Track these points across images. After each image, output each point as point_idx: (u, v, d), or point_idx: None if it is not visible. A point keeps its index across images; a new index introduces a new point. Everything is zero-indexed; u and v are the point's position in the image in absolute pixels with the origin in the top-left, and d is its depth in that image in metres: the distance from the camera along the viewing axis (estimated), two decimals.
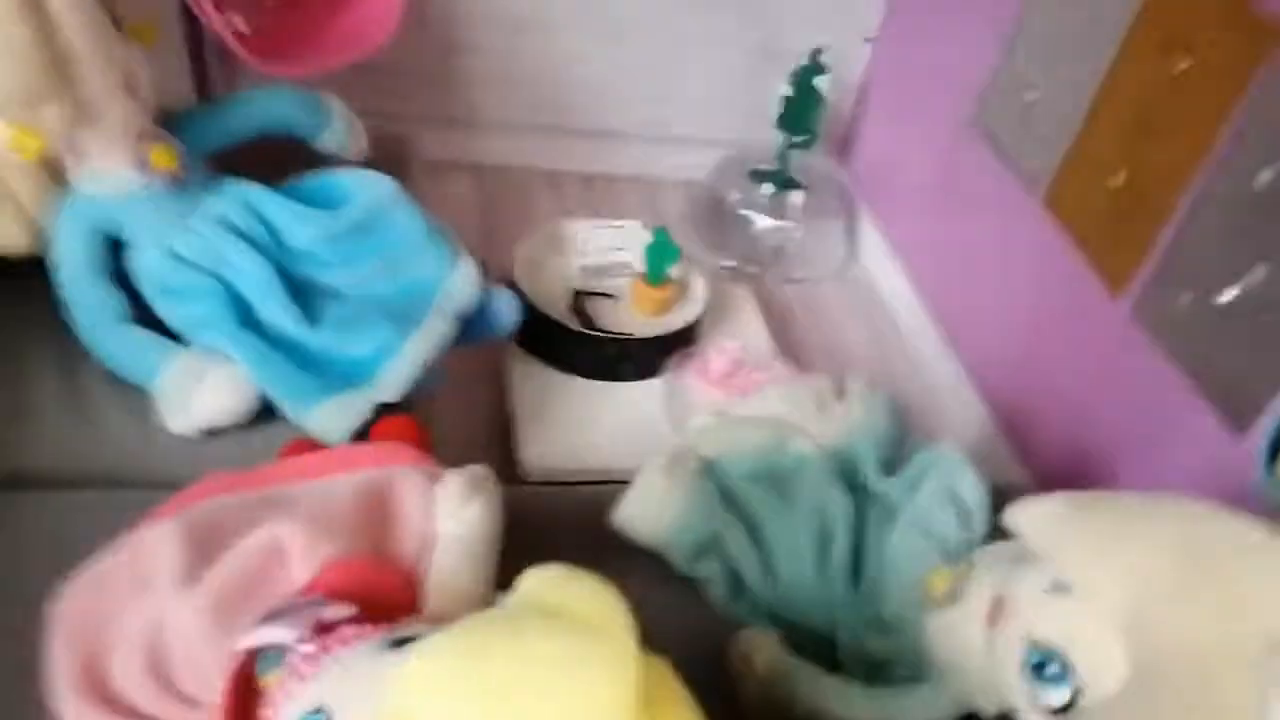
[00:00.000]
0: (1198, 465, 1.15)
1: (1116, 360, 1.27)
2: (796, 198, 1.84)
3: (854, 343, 1.75)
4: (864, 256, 1.92)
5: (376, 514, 0.77)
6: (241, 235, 1.02)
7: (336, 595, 0.66)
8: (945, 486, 0.87)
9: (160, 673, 0.68)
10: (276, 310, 0.99)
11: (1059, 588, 0.63)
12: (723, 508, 0.90)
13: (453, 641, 0.47)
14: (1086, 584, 0.61)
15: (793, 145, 1.81)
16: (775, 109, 1.78)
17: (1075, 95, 1.35)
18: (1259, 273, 1.03)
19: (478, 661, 0.45)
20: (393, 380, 0.98)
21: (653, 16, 1.81)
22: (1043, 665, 0.62)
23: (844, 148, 2.05)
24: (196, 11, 1.35)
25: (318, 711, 0.50)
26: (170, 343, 0.97)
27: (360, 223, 1.09)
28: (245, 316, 0.99)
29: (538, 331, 1.27)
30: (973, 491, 0.87)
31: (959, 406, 1.60)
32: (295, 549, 0.69)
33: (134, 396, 0.97)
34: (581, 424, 1.25)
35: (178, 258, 0.99)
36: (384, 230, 1.10)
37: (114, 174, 0.96)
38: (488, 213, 1.82)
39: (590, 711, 0.44)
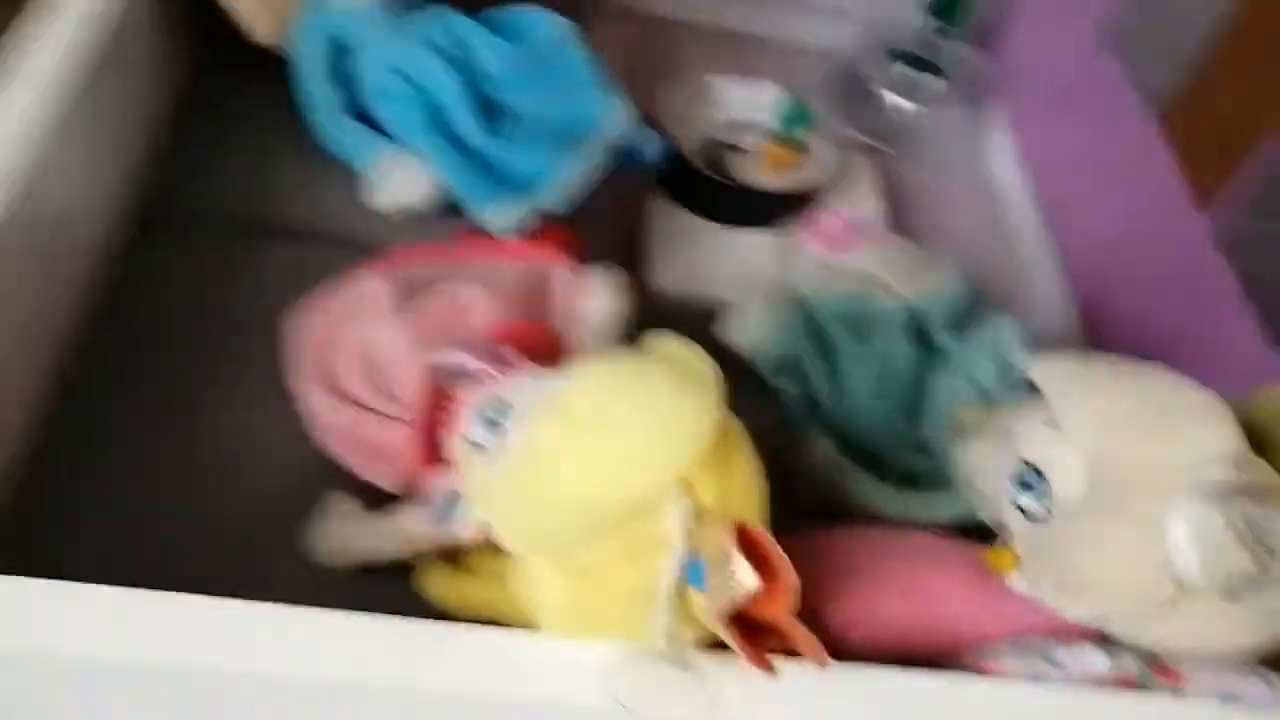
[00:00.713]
0: (1241, 378, 1.29)
1: (1191, 277, 1.39)
2: (934, 82, 1.94)
3: (964, 228, 1.87)
4: (990, 147, 2.02)
5: (535, 294, 0.99)
6: (443, 54, 1.22)
7: (503, 341, 0.89)
8: (993, 345, 1.05)
9: (372, 378, 0.92)
10: (465, 119, 1.20)
11: (1051, 424, 0.81)
12: (807, 336, 1.10)
13: (597, 368, 0.69)
14: (1069, 422, 0.79)
15: (939, 30, 1.90)
16: None
17: (1204, 15, 1.42)
18: None
19: (616, 372, 0.67)
20: (553, 191, 1.18)
21: None
22: (1024, 477, 0.81)
23: (991, 38, 2.11)
24: None
25: (499, 402, 0.73)
26: (380, 136, 1.19)
27: (541, 56, 1.28)
28: (439, 122, 1.20)
29: (675, 174, 1.45)
30: (1015, 351, 1.04)
31: (1049, 301, 1.73)
32: (478, 305, 0.92)
33: (351, 175, 1.20)
34: (705, 261, 1.43)
35: (391, 67, 1.20)
36: (558, 65, 1.29)
37: None
38: (641, 53, 1.97)
39: (685, 417, 0.65)
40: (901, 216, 1.81)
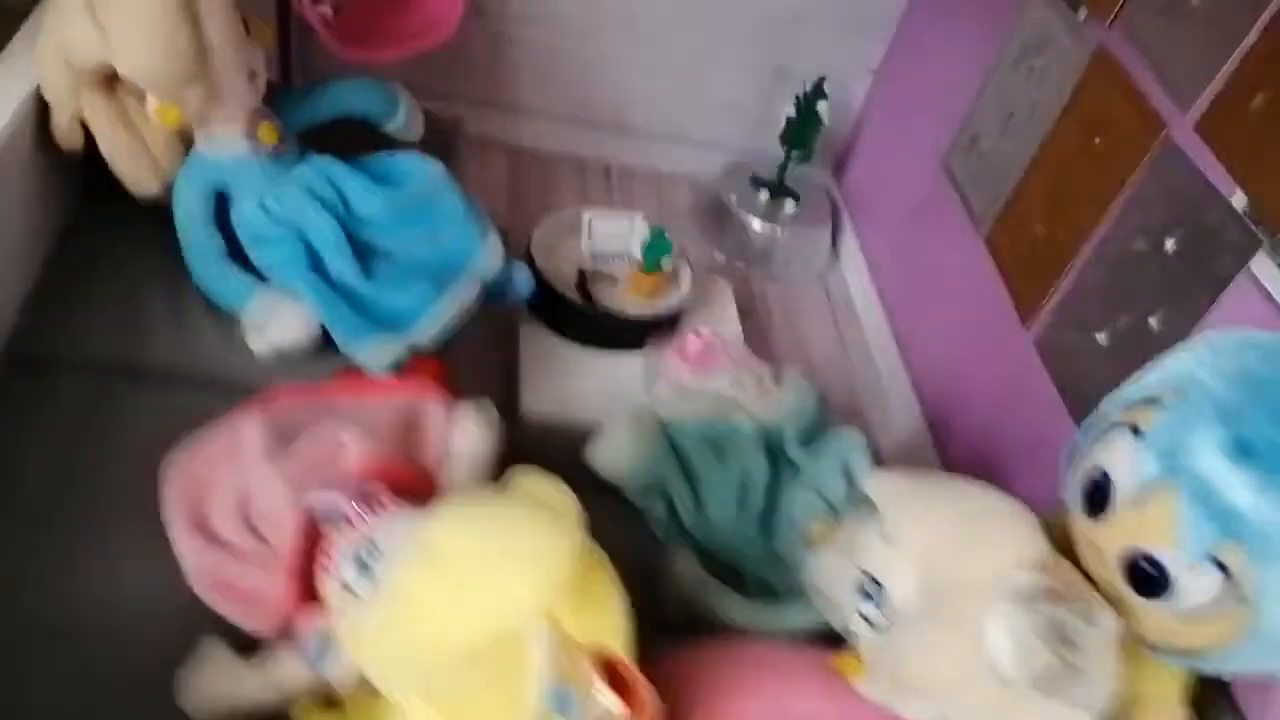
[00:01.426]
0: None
1: (1018, 382, 1.53)
2: (789, 205, 2.09)
3: (819, 339, 2.00)
4: (842, 264, 2.18)
5: (409, 431, 1.03)
6: (320, 199, 1.27)
7: (375, 481, 0.93)
8: (840, 458, 1.15)
9: (246, 519, 0.95)
10: (341, 262, 1.25)
11: (886, 537, 0.89)
12: (669, 458, 1.17)
13: (460, 506, 0.74)
14: (900, 535, 0.87)
15: (792, 159, 2.06)
16: (782, 126, 2.02)
17: (1016, 155, 1.60)
18: (1123, 321, 1.29)
19: (480, 513, 0.72)
20: (427, 328, 1.24)
21: (681, 30, 2.05)
22: (863, 586, 0.88)
23: (839, 165, 2.29)
24: (294, 1, 1.61)
25: (370, 544, 0.77)
26: (257, 280, 1.23)
27: (415, 198, 1.34)
28: (316, 265, 1.25)
29: (547, 302, 1.52)
30: (861, 466, 1.13)
31: (900, 403, 1.86)
32: (350, 444, 0.96)
33: (226, 319, 1.23)
34: (574, 383, 1.51)
35: (268, 212, 1.25)
36: (432, 206, 1.35)
37: (229, 142, 1.21)
38: (515, 186, 2.07)
39: (546, 553, 0.71)
40: (763, 333, 1.93)
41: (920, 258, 1.93)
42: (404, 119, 1.47)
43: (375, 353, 1.20)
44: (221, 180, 1.24)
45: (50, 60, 1.12)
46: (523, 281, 1.42)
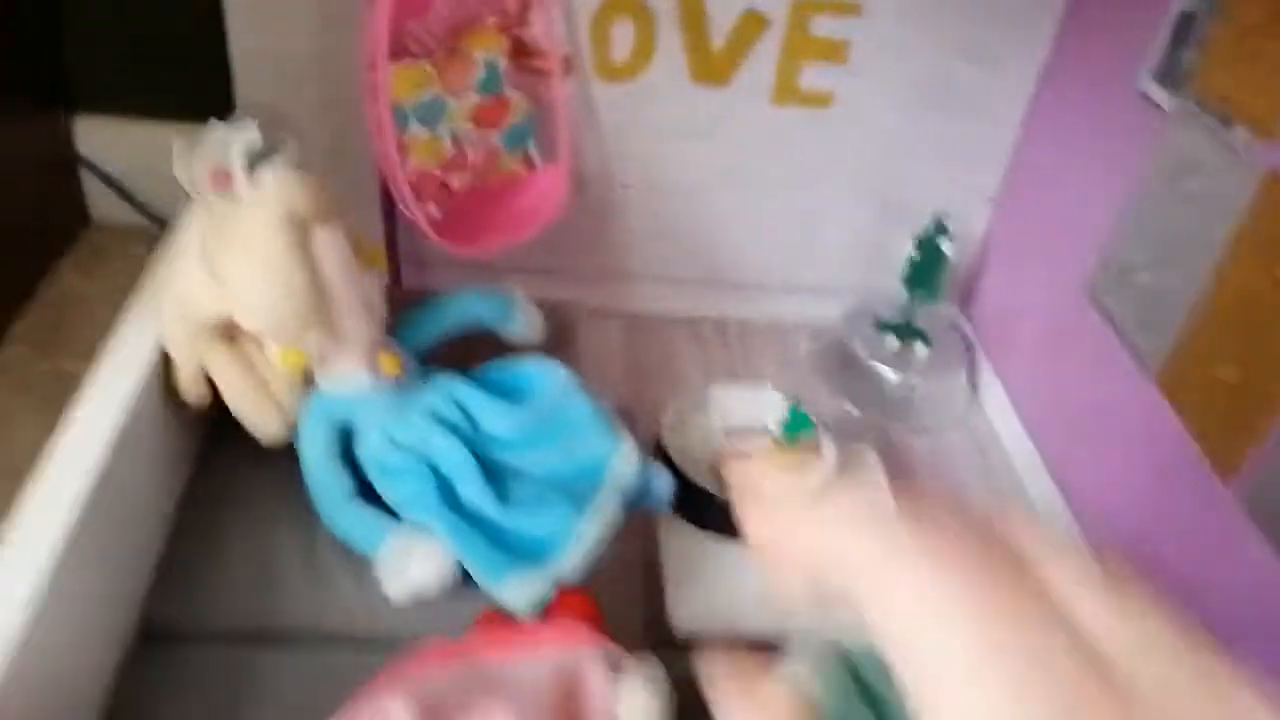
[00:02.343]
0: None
1: (1222, 544, 1.35)
2: (921, 350, 1.97)
3: (973, 492, 1.85)
4: (985, 407, 2.03)
5: (570, 700, 0.93)
6: (447, 424, 1.21)
7: None
8: None
9: None
10: (474, 489, 1.18)
11: None
12: (858, 695, 1.04)
13: None
14: None
15: (916, 300, 1.95)
16: (900, 263, 1.92)
17: (1184, 289, 1.45)
18: None
19: None
20: (571, 557, 1.15)
21: (787, 178, 1.98)
22: None
23: (967, 301, 2.17)
24: (400, 202, 1.59)
25: None
26: (389, 518, 1.17)
27: (544, 410, 1.27)
28: (448, 495, 1.18)
29: (683, 494, 1.42)
30: None
31: None
32: None
33: (361, 564, 1.17)
34: (726, 584, 1.39)
35: (394, 444, 1.19)
36: (560, 415, 1.28)
37: (351, 378, 1.17)
38: (631, 354, 2.00)
39: None
40: (908, 491, 1.78)
41: (1074, 398, 1.78)
42: (522, 323, 1.43)
43: (518, 590, 1.11)
44: (345, 417, 1.19)
45: (171, 317, 1.10)
46: (662, 486, 1.34)
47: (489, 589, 1.11)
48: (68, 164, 2.05)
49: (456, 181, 1.65)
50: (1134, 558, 1.52)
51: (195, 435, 1.26)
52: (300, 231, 1.02)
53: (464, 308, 1.39)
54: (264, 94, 1.74)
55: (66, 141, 2.04)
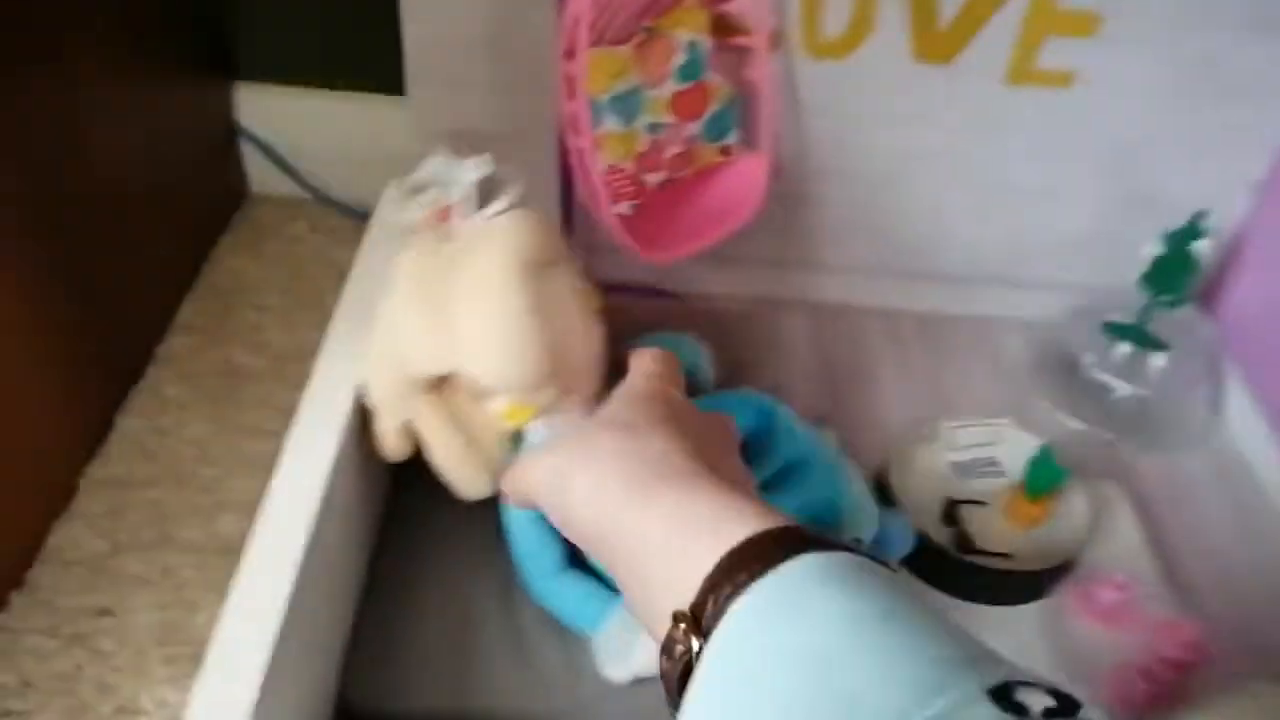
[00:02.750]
0: None
1: None
2: (1157, 359, 1.73)
3: (1219, 527, 1.63)
4: (1233, 427, 1.78)
5: None
6: None
7: None
8: None
9: None
10: None
11: None
12: None
13: None
14: None
15: (1157, 304, 1.70)
16: (1137, 261, 1.68)
17: None
18: None
19: None
20: None
21: (1012, 164, 1.75)
22: None
23: (1212, 301, 1.90)
24: (592, 207, 1.45)
25: None
26: (605, 590, 1.04)
27: (763, 452, 1.12)
28: None
29: (920, 552, 1.26)
30: None
31: None
32: None
33: (569, 640, 1.05)
34: None
35: None
36: (779, 453, 1.13)
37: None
38: (820, 349, 1.83)
39: None
40: (1150, 526, 1.58)
41: None
42: (707, 370, 1.29)
43: None
44: None
45: (381, 371, 0.98)
46: (900, 535, 1.18)
47: None
48: (228, 135, 1.97)
49: (651, 178, 1.49)
50: None
51: (383, 487, 1.16)
52: (536, 277, 0.89)
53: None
54: (436, 73, 1.61)
55: (227, 111, 1.96)
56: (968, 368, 1.81)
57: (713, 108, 1.50)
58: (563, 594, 1.03)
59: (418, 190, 0.92)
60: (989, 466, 1.38)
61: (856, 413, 1.59)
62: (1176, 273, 1.66)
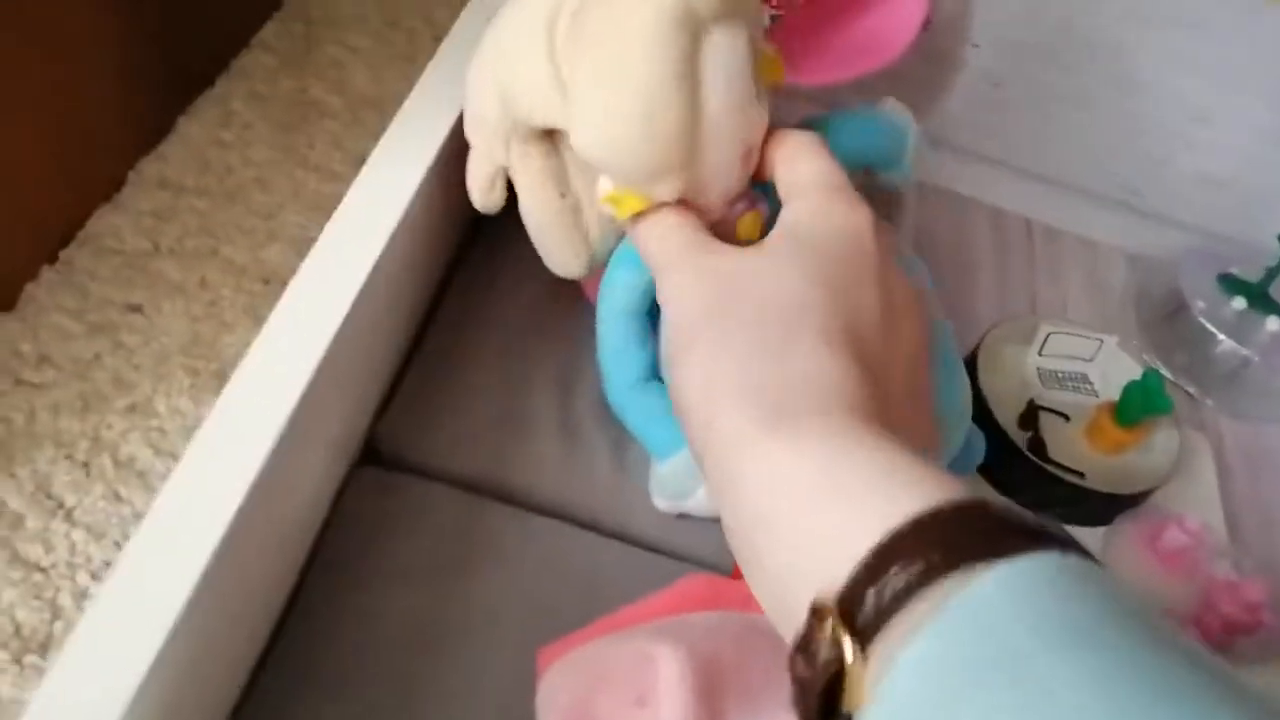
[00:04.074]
0: None
1: None
2: (1272, 322, 1.61)
3: None
4: None
5: None
6: None
7: None
8: None
9: None
10: None
11: None
12: None
13: None
14: None
15: None
16: None
17: None
18: None
19: None
20: None
21: (1167, 72, 1.59)
22: None
23: None
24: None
25: None
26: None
27: None
28: None
29: (991, 449, 1.18)
30: None
31: None
32: None
33: (628, 451, 0.97)
34: None
35: None
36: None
37: None
38: (920, 230, 1.72)
39: None
40: (1227, 489, 1.49)
41: None
42: (908, 166, 1.06)
43: None
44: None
45: (489, 101, 0.86)
46: (977, 444, 1.09)
47: None
48: None
49: None
50: None
51: (456, 240, 1.07)
52: (694, 40, 0.74)
53: (853, 138, 0.98)
54: None
55: None
56: (1069, 287, 1.70)
57: None
58: (640, 409, 0.91)
59: None
60: (1081, 382, 1.28)
61: (948, 300, 1.48)
62: None
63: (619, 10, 0.71)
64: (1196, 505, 1.25)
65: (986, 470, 1.19)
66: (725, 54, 0.73)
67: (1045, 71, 1.62)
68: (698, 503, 0.89)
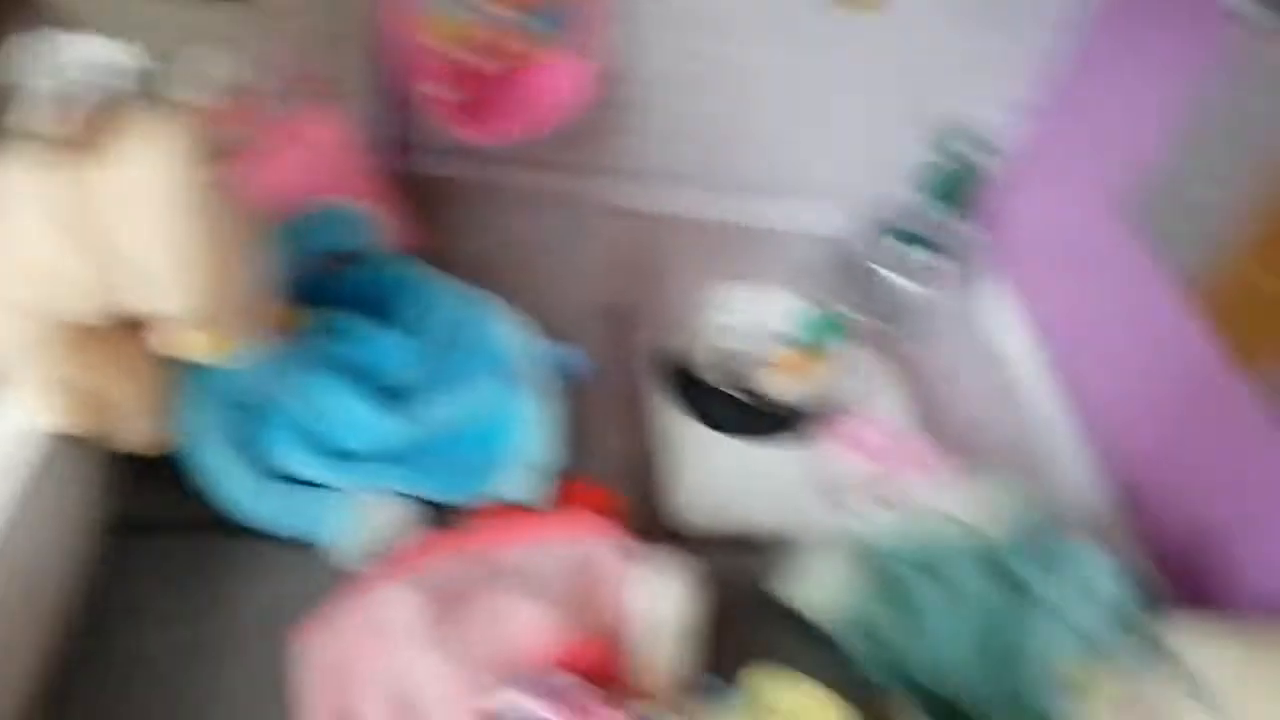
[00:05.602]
0: None
1: (1243, 439, 1.32)
2: (934, 259, 1.90)
3: (980, 403, 1.80)
4: (996, 320, 1.96)
5: (582, 588, 0.87)
6: (349, 365, 1.06)
7: (560, 665, 0.76)
8: (1086, 580, 0.95)
9: (403, 710, 0.79)
10: (400, 426, 1.04)
11: (1219, 714, 0.70)
12: (880, 589, 0.98)
13: None
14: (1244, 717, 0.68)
15: (934, 209, 1.87)
16: (920, 171, 1.83)
17: (1237, 201, 1.38)
18: None
19: None
20: (539, 443, 1.06)
21: (806, 80, 1.88)
22: None
23: (987, 212, 2.08)
24: (410, 83, 1.48)
25: None
26: (322, 490, 1.00)
27: (423, 318, 1.15)
28: (377, 442, 1.04)
29: (692, 391, 1.36)
30: (1113, 587, 0.93)
31: (1075, 471, 1.64)
32: (525, 623, 0.80)
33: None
34: (731, 481, 1.34)
35: (308, 402, 1.03)
36: (444, 316, 1.17)
37: (254, 347, 0.97)
38: (636, 254, 1.92)
39: None
40: (920, 402, 1.72)
41: (1095, 313, 1.72)
42: (372, 240, 1.20)
43: (514, 487, 1.04)
44: (237, 395, 1.01)
45: (14, 320, 0.81)
46: (578, 361, 1.23)
47: (473, 500, 1.03)
48: None
49: (476, 64, 1.53)
50: (1147, 463, 1.47)
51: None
52: (207, 186, 0.79)
53: (312, 238, 1.13)
54: None
55: None
56: (767, 271, 1.93)
57: (541, 2, 1.55)
58: (276, 505, 0.99)
59: (55, 88, 0.73)
60: (776, 334, 1.48)
61: (664, 307, 1.67)
62: (952, 182, 1.83)
63: (138, 178, 0.77)
64: (885, 409, 1.46)
65: (696, 407, 1.37)
66: (228, 189, 0.85)
67: (705, 98, 1.88)
68: (380, 536, 0.97)
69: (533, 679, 0.71)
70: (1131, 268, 1.60)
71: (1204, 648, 0.74)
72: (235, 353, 0.92)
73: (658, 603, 0.84)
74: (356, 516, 0.98)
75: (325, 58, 1.36)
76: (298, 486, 1.00)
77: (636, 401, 1.49)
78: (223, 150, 0.82)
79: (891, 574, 1.01)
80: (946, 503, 1.09)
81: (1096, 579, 0.97)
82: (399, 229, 1.26)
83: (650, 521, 1.34)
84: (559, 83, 1.66)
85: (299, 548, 0.98)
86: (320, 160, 1.18)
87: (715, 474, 1.35)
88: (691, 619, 0.84)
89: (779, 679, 0.63)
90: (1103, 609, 0.95)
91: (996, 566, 1.02)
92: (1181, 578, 1.39)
